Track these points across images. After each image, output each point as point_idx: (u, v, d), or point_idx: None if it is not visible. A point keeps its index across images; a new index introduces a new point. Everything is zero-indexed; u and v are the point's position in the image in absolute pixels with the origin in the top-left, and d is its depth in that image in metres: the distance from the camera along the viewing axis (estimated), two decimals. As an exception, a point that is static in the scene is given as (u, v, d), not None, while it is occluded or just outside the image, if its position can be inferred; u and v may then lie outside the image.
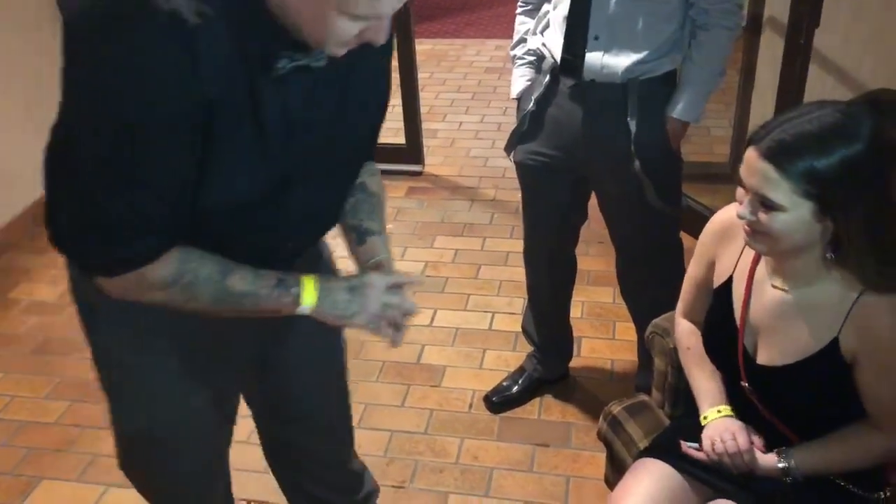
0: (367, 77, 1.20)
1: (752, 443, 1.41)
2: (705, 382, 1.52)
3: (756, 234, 1.29)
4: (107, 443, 2.38)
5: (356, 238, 1.37)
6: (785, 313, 1.36)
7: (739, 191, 1.29)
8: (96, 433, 2.42)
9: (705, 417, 1.47)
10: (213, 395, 1.41)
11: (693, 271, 1.57)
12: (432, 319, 2.88)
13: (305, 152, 1.15)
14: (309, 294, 1.20)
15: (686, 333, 1.60)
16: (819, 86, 2.69)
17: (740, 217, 1.29)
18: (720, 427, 1.43)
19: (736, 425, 1.43)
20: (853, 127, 1.20)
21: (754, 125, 3.48)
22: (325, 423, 1.65)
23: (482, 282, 3.08)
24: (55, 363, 2.75)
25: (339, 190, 1.32)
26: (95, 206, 1.05)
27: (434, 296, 3.01)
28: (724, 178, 3.52)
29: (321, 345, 1.54)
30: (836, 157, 1.18)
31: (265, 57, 1.03)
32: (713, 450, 1.41)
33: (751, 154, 1.24)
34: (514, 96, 2.13)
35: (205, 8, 0.96)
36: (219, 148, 1.04)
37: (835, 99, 1.30)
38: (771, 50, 2.98)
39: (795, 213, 1.22)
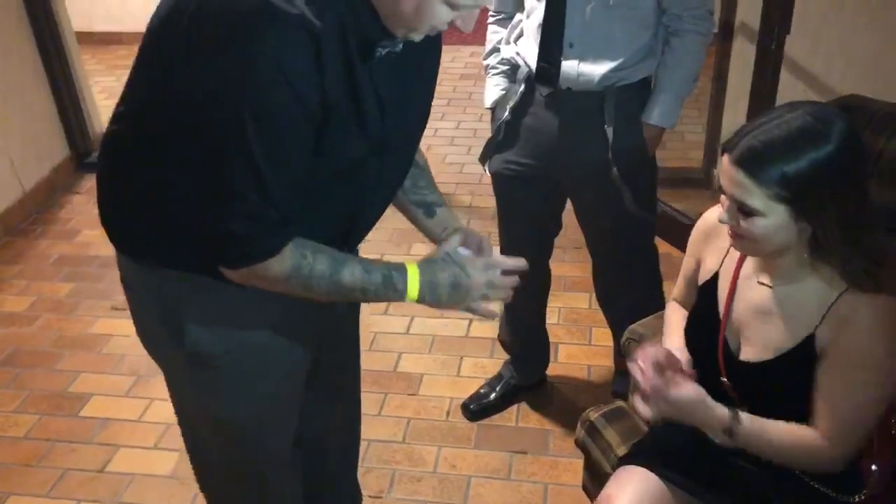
0: (427, 60, 1.33)
1: (682, 370, 1.40)
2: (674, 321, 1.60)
3: (739, 237, 1.30)
4: (78, 456, 2.37)
5: (424, 212, 1.48)
6: (768, 309, 1.37)
7: (722, 196, 1.30)
8: (67, 447, 2.38)
9: None
10: (301, 369, 1.47)
11: (685, 265, 1.60)
12: (409, 327, 2.86)
13: (390, 127, 1.23)
14: (413, 287, 1.28)
15: (672, 307, 1.66)
16: (790, 91, 2.72)
17: (722, 222, 1.31)
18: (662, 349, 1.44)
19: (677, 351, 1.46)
20: (822, 129, 1.20)
21: (727, 130, 3.53)
22: (352, 412, 1.79)
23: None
24: (24, 376, 2.69)
25: (408, 162, 1.41)
26: (230, 197, 1.11)
27: (410, 303, 2.98)
28: (699, 183, 3.55)
29: (354, 335, 1.73)
30: (806, 160, 1.19)
31: (365, 47, 1.13)
32: (644, 361, 1.39)
33: (725, 162, 1.25)
34: (489, 106, 2.13)
35: (323, 10, 1.05)
36: (327, 130, 1.13)
37: (807, 100, 1.31)
38: (742, 56, 3.02)
39: (773, 217, 1.23)
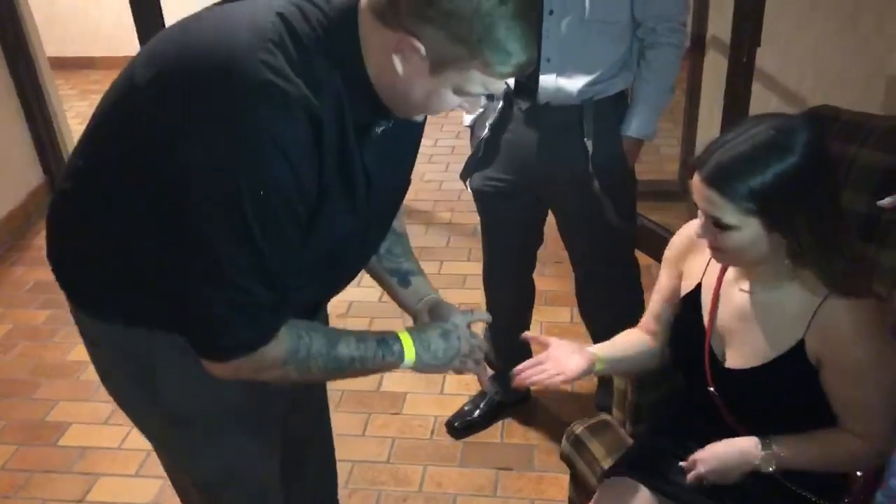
0: (410, 133, 1.30)
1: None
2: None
3: (717, 251, 1.33)
4: (57, 486, 2.32)
5: (399, 280, 1.44)
6: (752, 316, 1.38)
7: (699, 212, 1.31)
8: (46, 477, 2.34)
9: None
10: (277, 423, 1.45)
11: (661, 284, 1.59)
12: (391, 345, 2.85)
13: (377, 201, 1.21)
14: (409, 348, 1.26)
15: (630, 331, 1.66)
16: (763, 103, 2.76)
17: (699, 237, 1.32)
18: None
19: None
20: (786, 141, 1.22)
21: (702, 143, 3.56)
22: (329, 445, 1.77)
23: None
24: (1, 405, 2.64)
25: (387, 229, 1.40)
26: (221, 279, 1.05)
27: (392, 321, 2.94)
28: (675, 195, 3.58)
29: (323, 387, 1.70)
30: (771, 173, 1.21)
31: (363, 126, 1.11)
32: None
33: (696, 180, 1.27)
34: (468, 124, 2.14)
35: (323, 92, 1.02)
36: (319, 210, 1.10)
37: (774, 112, 1.33)
38: (715, 69, 3.06)
39: (747, 230, 1.25)
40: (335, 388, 2.60)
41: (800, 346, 1.32)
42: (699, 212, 1.32)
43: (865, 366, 1.29)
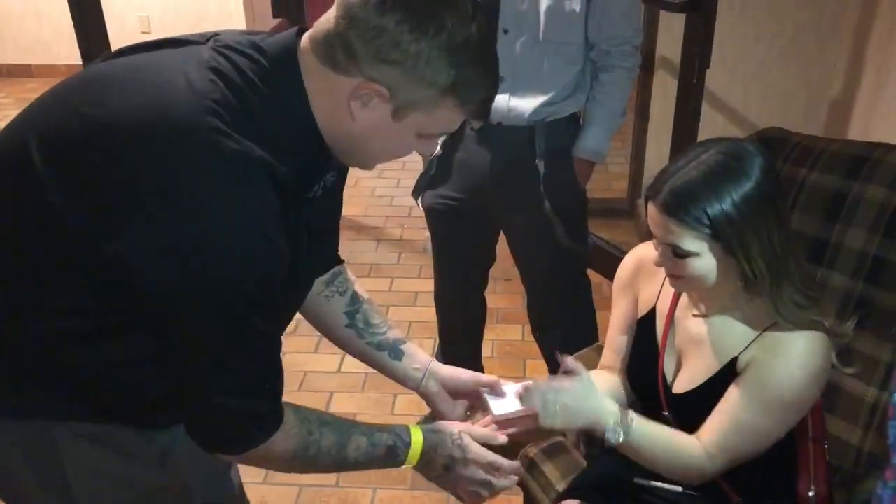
0: (343, 178, 1.22)
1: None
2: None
3: (676, 279, 1.31)
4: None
5: (389, 353, 1.36)
6: (701, 339, 1.37)
7: (654, 240, 1.30)
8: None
9: None
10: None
11: (616, 317, 1.56)
12: (340, 365, 2.79)
13: (316, 253, 1.15)
14: (414, 457, 1.21)
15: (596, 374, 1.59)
16: (711, 123, 2.81)
17: (658, 265, 1.31)
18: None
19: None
20: (739, 165, 1.22)
21: (651, 161, 3.61)
22: None
23: (391, 323, 3.02)
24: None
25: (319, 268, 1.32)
26: (219, 365, 0.98)
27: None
28: (624, 213, 3.62)
29: None
30: (727, 198, 1.20)
31: (313, 182, 1.05)
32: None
33: (651, 209, 1.26)
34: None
35: (279, 147, 0.94)
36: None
37: (721, 137, 1.33)
38: (664, 89, 3.10)
39: (706, 256, 1.24)
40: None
41: (733, 362, 1.32)
42: (654, 241, 1.31)
43: (777, 393, 1.27)
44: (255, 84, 0.95)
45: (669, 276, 1.32)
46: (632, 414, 1.35)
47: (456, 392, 1.39)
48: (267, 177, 0.93)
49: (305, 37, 0.99)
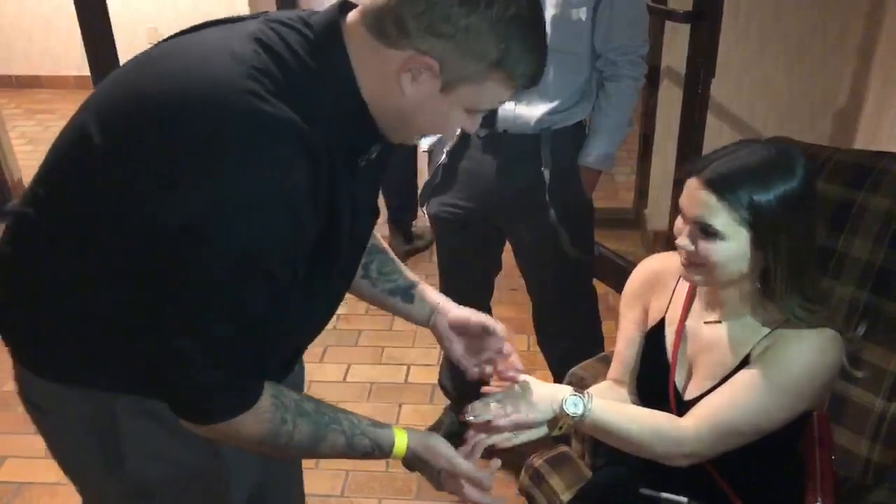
0: (388, 153, 1.20)
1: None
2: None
3: (694, 266, 1.30)
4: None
5: (402, 297, 1.39)
6: (714, 345, 1.37)
7: (679, 222, 1.30)
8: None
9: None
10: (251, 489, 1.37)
11: (624, 330, 1.55)
12: (346, 374, 2.79)
13: (360, 232, 1.17)
14: (399, 452, 1.21)
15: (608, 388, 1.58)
16: (716, 133, 2.80)
17: (680, 247, 1.30)
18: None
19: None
20: (789, 164, 1.23)
21: (656, 172, 3.60)
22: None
23: (396, 333, 3.02)
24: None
25: (362, 254, 1.32)
26: (205, 341, 0.98)
27: (347, 349, 2.93)
28: (630, 223, 3.61)
29: None
30: (775, 191, 1.21)
31: (355, 156, 1.05)
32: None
33: (692, 183, 1.25)
34: (425, 149, 2.12)
35: (316, 118, 0.95)
36: (312, 257, 1.03)
37: (770, 137, 1.34)
38: (669, 99, 3.10)
39: (734, 241, 1.24)
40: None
41: (746, 358, 1.32)
42: (678, 223, 1.30)
43: (777, 381, 1.26)
44: (300, 55, 0.97)
45: (686, 262, 1.30)
46: (590, 391, 1.33)
47: (464, 333, 1.42)
48: (299, 142, 0.93)
49: (355, 11, 1.01)
